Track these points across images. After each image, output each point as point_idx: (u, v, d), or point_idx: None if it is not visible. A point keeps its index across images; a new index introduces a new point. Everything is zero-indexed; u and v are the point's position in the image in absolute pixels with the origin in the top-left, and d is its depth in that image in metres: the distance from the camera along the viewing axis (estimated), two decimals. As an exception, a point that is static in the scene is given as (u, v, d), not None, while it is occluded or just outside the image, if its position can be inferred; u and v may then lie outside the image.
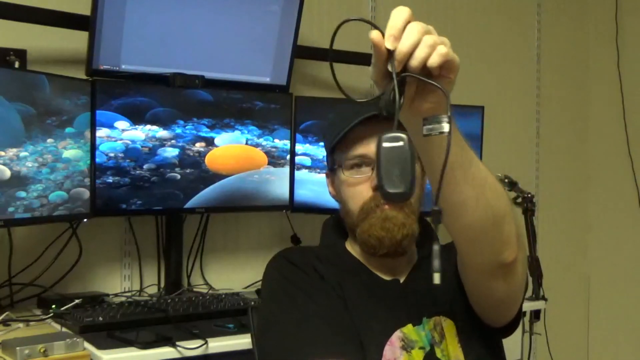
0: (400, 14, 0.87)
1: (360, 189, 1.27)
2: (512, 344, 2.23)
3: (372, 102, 0.93)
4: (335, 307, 1.22)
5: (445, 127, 0.87)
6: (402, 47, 0.86)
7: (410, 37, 0.86)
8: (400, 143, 0.85)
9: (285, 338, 1.17)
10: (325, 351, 1.12)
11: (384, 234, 1.24)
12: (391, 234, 1.24)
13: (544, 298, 2.63)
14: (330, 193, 1.38)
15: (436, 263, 0.88)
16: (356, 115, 1.25)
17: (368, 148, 1.26)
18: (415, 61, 0.86)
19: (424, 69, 0.88)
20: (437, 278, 0.88)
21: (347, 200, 1.29)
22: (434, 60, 0.86)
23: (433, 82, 0.88)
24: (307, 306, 1.20)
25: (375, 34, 0.87)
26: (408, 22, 0.87)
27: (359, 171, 1.27)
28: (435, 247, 0.88)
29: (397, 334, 1.22)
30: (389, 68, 0.87)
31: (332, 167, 1.34)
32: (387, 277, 1.31)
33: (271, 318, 1.23)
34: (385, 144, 0.85)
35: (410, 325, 1.24)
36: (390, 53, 0.86)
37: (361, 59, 2.62)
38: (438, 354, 1.23)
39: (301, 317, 1.19)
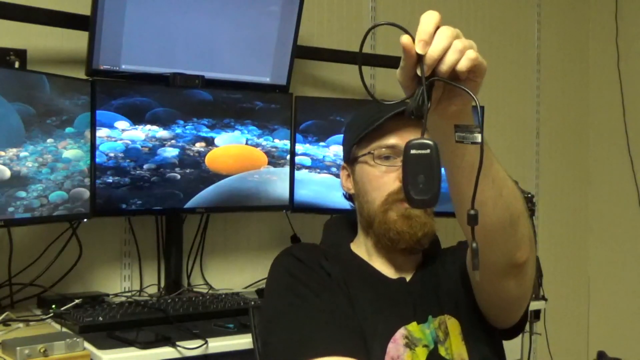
0: (430, 18, 0.88)
1: (387, 179, 1.28)
2: (512, 344, 2.23)
3: (398, 105, 0.94)
4: (341, 304, 1.22)
5: (478, 137, 0.89)
6: (433, 52, 0.87)
7: (441, 43, 0.87)
8: (427, 151, 0.86)
9: (291, 334, 1.17)
10: (330, 348, 1.12)
11: (405, 229, 1.26)
12: (413, 231, 1.26)
13: (544, 298, 2.63)
14: (343, 187, 1.38)
15: (476, 261, 0.90)
16: (384, 111, 1.26)
17: (400, 139, 1.27)
18: (445, 66, 0.88)
19: (452, 72, 0.89)
20: (477, 275, 0.92)
21: (371, 191, 1.30)
22: (463, 65, 0.88)
23: (462, 87, 0.89)
24: (314, 303, 1.20)
25: (406, 39, 0.87)
26: (438, 27, 0.88)
27: (389, 161, 1.28)
28: (474, 245, 0.90)
29: (401, 332, 1.23)
30: (418, 72, 0.88)
31: (356, 157, 1.34)
32: (392, 276, 1.31)
33: (277, 314, 1.23)
34: (413, 151, 0.86)
35: (415, 323, 1.24)
36: (420, 57, 0.87)
37: (364, 59, 2.62)
38: (442, 352, 1.23)
39: (307, 313, 1.19)
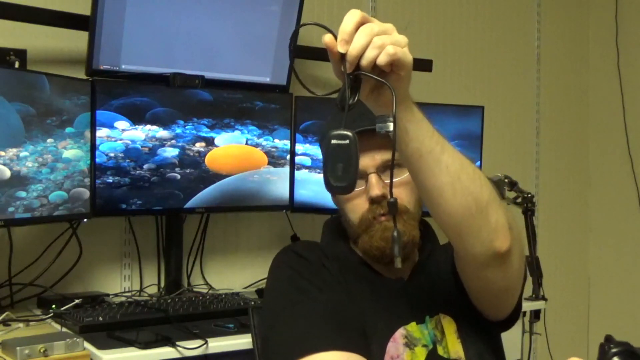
0: (351, 17, 0.94)
1: (356, 202, 1.28)
2: (512, 344, 2.24)
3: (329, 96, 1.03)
4: (343, 301, 1.23)
5: (390, 126, 0.95)
6: (352, 50, 0.94)
7: (359, 41, 0.94)
8: (346, 141, 0.92)
9: (294, 329, 1.17)
10: (333, 343, 1.13)
11: (384, 244, 1.25)
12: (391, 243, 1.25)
13: (544, 298, 2.63)
14: (333, 202, 1.39)
15: (395, 249, 0.97)
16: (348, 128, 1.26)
17: (360, 162, 1.27)
18: (364, 61, 0.94)
19: (376, 67, 0.95)
20: (398, 262, 0.97)
21: (348, 213, 1.31)
22: (381, 60, 0.94)
23: (381, 80, 0.96)
24: (316, 298, 1.21)
25: (328, 38, 0.95)
26: (360, 25, 0.94)
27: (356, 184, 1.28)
28: (395, 234, 0.97)
29: (401, 331, 1.23)
30: (342, 69, 0.95)
31: None
32: (391, 276, 1.31)
33: (280, 309, 1.23)
34: (333, 141, 0.93)
35: (414, 323, 1.25)
36: (343, 55, 0.94)
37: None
38: (440, 351, 1.24)
39: (310, 308, 1.19)
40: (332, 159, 0.93)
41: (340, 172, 0.92)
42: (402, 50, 0.95)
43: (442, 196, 1.06)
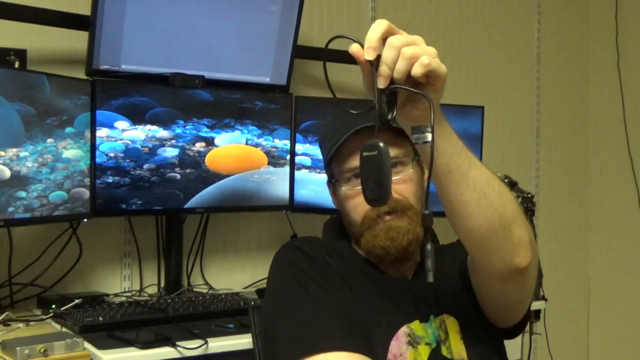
0: (377, 26, 0.92)
1: (359, 200, 1.27)
2: (512, 344, 2.23)
3: (365, 113, 1.00)
4: (346, 299, 1.22)
5: (428, 137, 0.94)
6: (383, 66, 0.92)
7: (390, 53, 0.91)
8: (375, 152, 0.92)
9: (298, 328, 1.16)
10: (336, 344, 1.12)
11: (389, 243, 1.26)
12: (396, 242, 1.26)
13: (544, 298, 2.63)
14: (333, 202, 1.39)
15: (429, 263, 0.95)
16: (348, 127, 1.26)
17: None
18: (397, 74, 0.92)
19: (410, 79, 0.92)
20: (430, 276, 0.95)
21: (349, 212, 1.31)
22: (416, 71, 0.92)
23: (418, 92, 0.93)
24: (321, 296, 1.20)
25: (355, 47, 0.93)
26: (386, 34, 0.92)
27: (357, 182, 1.28)
28: (428, 247, 0.94)
29: (404, 330, 1.23)
30: (374, 83, 0.93)
31: (331, 180, 1.36)
32: (394, 274, 1.31)
33: (284, 306, 1.22)
34: (365, 153, 0.93)
35: (417, 322, 1.25)
36: (372, 65, 0.92)
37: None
38: (444, 351, 1.24)
39: (315, 307, 1.18)
40: (364, 171, 0.93)
41: (373, 184, 0.92)
42: (435, 61, 0.93)
43: (467, 211, 1.05)
